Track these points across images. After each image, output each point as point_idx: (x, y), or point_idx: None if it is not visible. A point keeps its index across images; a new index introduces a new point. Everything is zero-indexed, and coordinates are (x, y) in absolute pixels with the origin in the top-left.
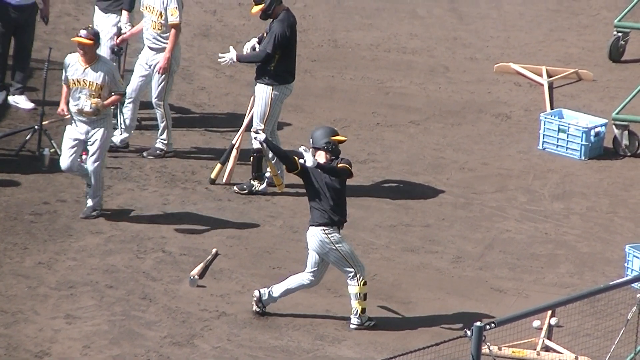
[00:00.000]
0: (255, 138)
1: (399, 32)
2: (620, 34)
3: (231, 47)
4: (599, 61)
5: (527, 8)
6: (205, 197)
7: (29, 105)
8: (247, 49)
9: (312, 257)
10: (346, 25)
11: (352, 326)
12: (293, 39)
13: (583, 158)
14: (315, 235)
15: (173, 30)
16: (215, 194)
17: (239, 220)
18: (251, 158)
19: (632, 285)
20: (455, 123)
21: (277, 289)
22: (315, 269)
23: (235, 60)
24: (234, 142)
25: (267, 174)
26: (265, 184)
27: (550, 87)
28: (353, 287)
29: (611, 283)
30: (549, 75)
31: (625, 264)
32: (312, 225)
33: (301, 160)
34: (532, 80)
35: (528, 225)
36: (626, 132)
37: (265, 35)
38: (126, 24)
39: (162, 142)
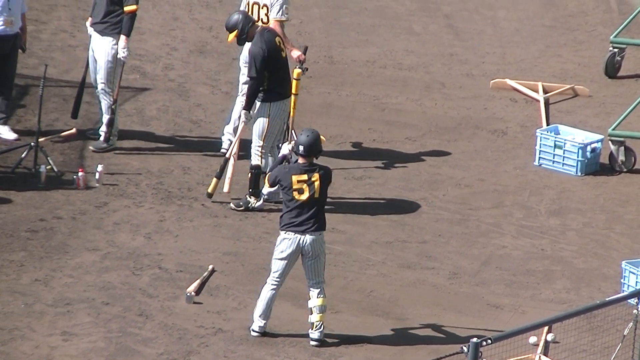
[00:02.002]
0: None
1: (395, 48)
2: (616, 50)
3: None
4: (595, 77)
5: (523, 24)
6: (201, 214)
7: (12, 135)
8: (241, 119)
9: (290, 266)
10: (342, 41)
11: (314, 343)
12: (274, 55)
13: (579, 174)
14: (323, 242)
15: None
16: (212, 211)
17: (235, 236)
18: (249, 174)
19: (629, 301)
20: (452, 139)
21: (257, 315)
22: (285, 277)
23: (248, 114)
24: (227, 155)
25: (264, 191)
26: (261, 201)
27: (546, 103)
28: (321, 299)
29: (607, 299)
30: (545, 91)
31: (622, 280)
32: (322, 231)
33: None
34: (528, 96)
35: (524, 241)
36: (622, 148)
37: None
38: (124, 49)
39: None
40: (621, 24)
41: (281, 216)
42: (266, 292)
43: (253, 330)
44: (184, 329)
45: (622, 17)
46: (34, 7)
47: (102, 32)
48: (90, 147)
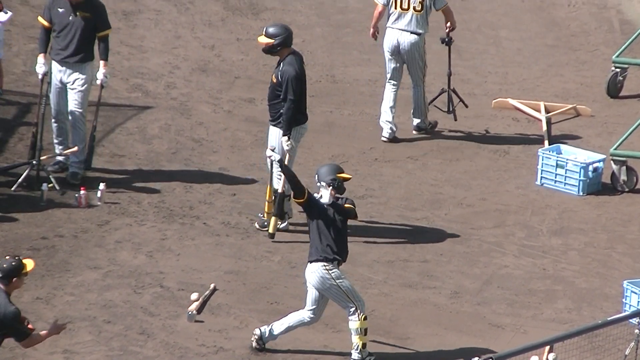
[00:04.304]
0: (269, 157)
1: None
2: (618, 70)
3: (274, 152)
4: (597, 97)
5: (525, 44)
6: (203, 233)
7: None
8: (274, 159)
9: (312, 294)
10: (344, 60)
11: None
12: (304, 80)
13: (581, 194)
14: (316, 272)
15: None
16: (213, 230)
17: (237, 255)
18: (273, 197)
19: (630, 320)
20: (454, 159)
21: (278, 327)
22: (315, 306)
23: (289, 140)
24: (279, 190)
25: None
26: (286, 222)
27: (549, 123)
28: (354, 323)
29: (609, 319)
30: (547, 111)
31: (623, 300)
32: (312, 262)
33: (316, 195)
34: (530, 115)
35: (526, 260)
36: (624, 168)
37: (274, 80)
38: (105, 74)
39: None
40: (623, 43)
41: (328, 249)
42: (297, 316)
43: (254, 335)
44: (185, 348)
45: (624, 37)
46: (36, 25)
47: (76, 64)
48: (68, 179)
